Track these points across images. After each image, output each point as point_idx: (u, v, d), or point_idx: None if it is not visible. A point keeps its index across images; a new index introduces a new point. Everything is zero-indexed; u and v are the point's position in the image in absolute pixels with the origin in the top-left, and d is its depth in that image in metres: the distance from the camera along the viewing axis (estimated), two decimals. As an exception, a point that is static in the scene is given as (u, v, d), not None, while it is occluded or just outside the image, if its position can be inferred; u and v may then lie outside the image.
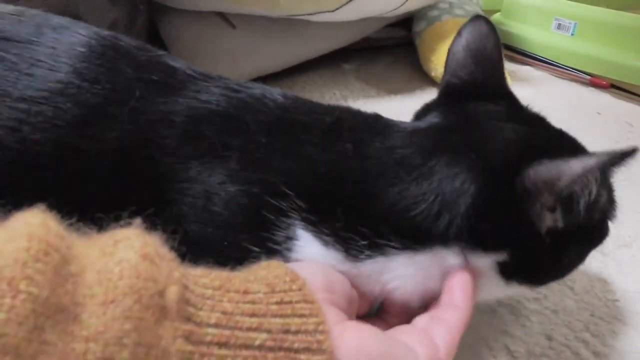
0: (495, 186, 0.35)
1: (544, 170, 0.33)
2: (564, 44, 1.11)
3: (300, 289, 0.30)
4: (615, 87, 1.03)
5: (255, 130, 0.37)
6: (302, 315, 0.29)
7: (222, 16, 0.90)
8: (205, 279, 0.28)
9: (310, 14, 0.88)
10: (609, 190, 0.41)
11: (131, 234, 0.27)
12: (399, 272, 0.36)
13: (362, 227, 0.35)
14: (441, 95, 0.44)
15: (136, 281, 0.24)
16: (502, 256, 0.36)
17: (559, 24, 1.13)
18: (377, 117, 0.41)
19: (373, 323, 0.37)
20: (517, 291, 0.40)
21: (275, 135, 0.38)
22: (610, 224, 0.42)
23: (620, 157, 0.32)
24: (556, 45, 1.12)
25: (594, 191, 0.36)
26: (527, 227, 0.35)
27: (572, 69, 1.08)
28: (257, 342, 0.27)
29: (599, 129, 0.88)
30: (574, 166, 0.32)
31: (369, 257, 0.35)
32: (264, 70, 0.96)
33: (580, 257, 0.41)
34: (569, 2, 1.14)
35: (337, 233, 0.35)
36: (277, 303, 0.29)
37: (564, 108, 0.95)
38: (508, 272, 0.37)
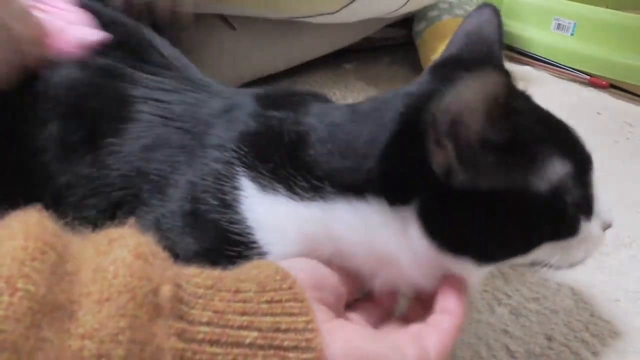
0: (403, 130, 0.35)
1: (426, 110, 0.32)
2: (564, 43, 1.11)
3: (290, 288, 0.30)
4: (614, 87, 1.03)
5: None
6: (291, 314, 0.29)
7: (223, 18, 0.90)
8: (198, 278, 0.28)
9: (311, 16, 0.89)
10: (575, 175, 0.37)
11: (125, 233, 0.27)
12: (344, 222, 0.36)
13: (298, 168, 0.37)
14: (427, 69, 0.44)
15: (130, 279, 0.25)
16: (413, 210, 0.34)
17: (559, 24, 1.13)
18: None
19: (366, 307, 0.38)
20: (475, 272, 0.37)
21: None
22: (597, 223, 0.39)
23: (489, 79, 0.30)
24: (556, 45, 1.12)
25: (484, 128, 0.32)
26: (426, 170, 0.33)
27: (572, 68, 1.08)
28: (247, 341, 0.27)
29: (598, 128, 0.88)
30: (443, 97, 0.31)
31: (312, 199, 0.36)
32: (265, 71, 0.96)
33: (515, 233, 0.36)
34: (569, 2, 1.14)
35: (277, 174, 0.37)
36: (267, 302, 0.29)
37: (563, 108, 0.94)
38: (431, 233, 0.35)
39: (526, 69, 1.12)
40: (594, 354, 0.46)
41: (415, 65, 1.08)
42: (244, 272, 0.31)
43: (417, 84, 0.41)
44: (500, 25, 0.44)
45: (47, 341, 0.22)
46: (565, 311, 0.50)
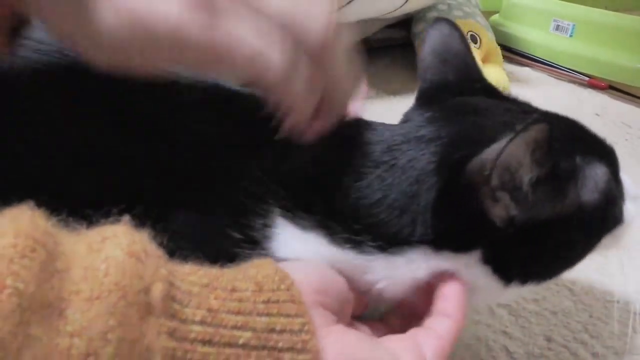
0: (449, 183, 0.34)
1: (471, 165, 0.33)
2: (563, 45, 1.11)
3: (288, 289, 0.30)
4: (613, 89, 1.03)
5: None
6: (288, 315, 0.29)
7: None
8: (194, 276, 0.28)
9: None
10: (611, 171, 0.38)
11: (119, 231, 0.27)
12: (382, 274, 0.35)
13: (339, 220, 0.35)
14: (416, 101, 0.44)
15: (122, 278, 0.24)
16: (477, 256, 0.35)
17: (558, 26, 1.13)
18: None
19: (376, 327, 0.37)
20: (522, 291, 0.39)
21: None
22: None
23: (533, 132, 0.31)
24: (555, 47, 1.12)
25: (532, 170, 0.33)
26: (486, 222, 0.34)
27: (571, 70, 1.08)
28: (241, 341, 0.27)
29: (597, 130, 0.88)
30: (489, 153, 0.31)
31: (351, 249, 0.35)
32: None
33: (579, 244, 0.38)
34: (568, 3, 1.14)
35: (318, 221, 0.35)
36: (264, 302, 0.29)
37: (562, 109, 0.94)
38: (499, 272, 0.36)
39: (525, 71, 1.12)
40: (593, 354, 0.46)
41: (414, 66, 1.08)
42: (242, 271, 0.31)
43: (424, 123, 0.39)
44: (462, 36, 0.44)
45: (36, 339, 0.22)
46: (565, 312, 0.50)
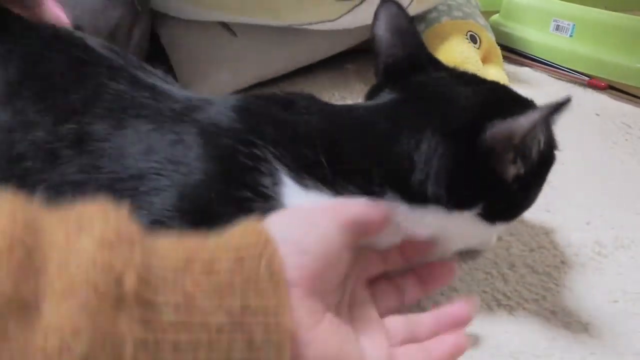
0: (460, 148, 0.40)
1: (498, 131, 0.38)
2: (563, 45, 1.11)
3: (268, 265, 0.30)
4: (612, 89, 1.03)
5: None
6: (264, 297, 0.29)
7: (223, 24, 0.90)
8: (172, 253, 0.28)
9: (311, 24, 0.89)
10: (547, 124, 0.44)
11: (95, 215, 0.27)
12: (406, 223, 0.40)
13: (351, 176, 0.39)
14: (383, 76, 0.48)
15: (92, 273, 0.25)
16: (477, 209, 0.41)
17: (558, 26, 1.13)
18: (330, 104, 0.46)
19: (374, 262, 0.41)
20: (502, 228, 0.47)
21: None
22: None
23: (558, 108, 0.36)
24: (555, 47, 1.12)
25: (542, 138, 0.42)
26: (496, 180, 0.41)
27: (571, 70, 1.08)
28: (215, 326, 0.27)
29: (596, 130, 0.88)
30: (523, 123, 0.37)
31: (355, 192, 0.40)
32: (265, 76, 0.96)
33: (541, 184, 0.46)
34: (568, 3, 1.14)
35: (325, 179, 0.39)
36: (241, 281, 0.29)
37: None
38: (490, 217, 0.42)
39: (525, 71, 1.12)
40: (593, 354, 0.46)
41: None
42: (227, 238, 0.31)
43: (396, 90, 0.46)
44: (410, 18, 0.50)
45: (12, 339, 0.22)
46: (565, 312, 0.50)
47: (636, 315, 0.51)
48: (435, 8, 1.07)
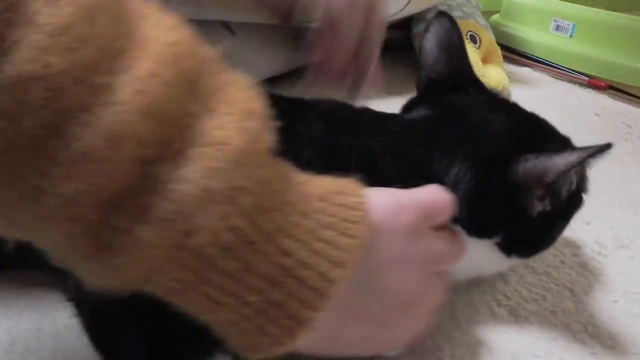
0: (488, 176, 0.40)
1: (531, 167, 0.38)
2: (563, 45, 1.11)
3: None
4: (613, 89, 1.03)
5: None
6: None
7: (222, 23, 0.90)
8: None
9: (310, 22, 0.89)
10: (582, 167, 0.44)
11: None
12: None
13: None
14: (424, 90, 0.49)
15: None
16: (498, 239, 0.42)
17: (558, 25, 1.13)
18: (368, 110, 0.48)
19: None
20: (516, 262, 0.48)
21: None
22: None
23: (597, 152, 0.37)
24: (555, 47, 1.12)
25: (575, 180, 0.42)
26: (520, 213, 0.41)
27: (571, 70, 1.08)
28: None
29: (596, 130, 0.88)
30: (558, 163, 0.37)
31: None
32: (264, 75, 0.96)
33: (564, 225, 0.46)
34: (568, 3, 1.14)
35: None
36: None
37: (562, 109, 0.95)
38: (507, 250, 0.43)
39: (525, 71, 1.12)
40: (593, 354, 0.46)
41: (413, 66, 1.08)
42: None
43: (433, 107, 0.46)
44: (461, 35, 0.49)
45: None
46: (565, 312, 0.50)
47: (636, 315, 0.51)
48: (434, 8, 1.07)
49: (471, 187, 0.39)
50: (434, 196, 0.37)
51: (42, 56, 0.21)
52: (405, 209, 0.35)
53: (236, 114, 0.26)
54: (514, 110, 0.47)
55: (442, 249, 0.38)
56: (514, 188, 0.39)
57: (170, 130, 0.24)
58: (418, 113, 0.46)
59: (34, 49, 0.21)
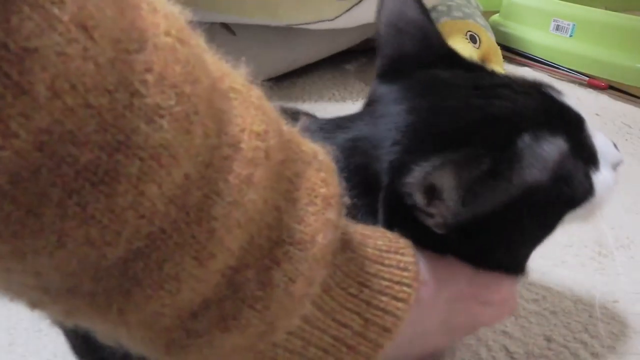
0: (394, 185, 0.33)
1: (404, 180, 0.30)
2: (563, 45, 1.11)
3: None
4: (613, 89, 1.03)
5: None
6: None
7: (223, 24, 0.91)
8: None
9: (310, 23, 0.89)
10: (572, 143, 0.36)
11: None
12: None
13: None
14: (378, 78, 0.41)
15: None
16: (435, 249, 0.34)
17: (558, 25, 1.13)
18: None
19: None
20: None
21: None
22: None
23: (464, 165, 0.30)
24: (555, 47, 1.12)
25: (458, 191, 0.31)
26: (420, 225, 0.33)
27: (571, 70, 1.08)
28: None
29: (596, 130, 0.88)
30: (415, 176, 0.30)
31: None
32: (265, 75, 0.96)
33: (537, 224, 0.36)
34: (568, 3, 1.14)
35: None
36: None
37: (562, 109, 0.95)
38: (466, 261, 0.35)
39: (525, 71, 1.12)
40: (593, 355, 0.46)
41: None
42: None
43: (386, 107, 0.37)
44: (419, 3, 0.41)
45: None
46: (565, 312, 0.50)
47: (636, 315, 0.51)
48: (434, 9, 1.07)
49: (383, 193, 0.34)
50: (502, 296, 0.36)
51: (139, 185, 0.20)
52: (455, 279, 0.34)
53: (317, 203, 0.26)
54: (483, 86, 0.37)
55: (487, 317, 0.37)
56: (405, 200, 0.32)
57: (258, 233, 0.24)
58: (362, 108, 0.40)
59: (133, 177, 0.20)
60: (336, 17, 0.88)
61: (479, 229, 0.33)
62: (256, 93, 0.26)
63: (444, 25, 1.03)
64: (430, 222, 0.32)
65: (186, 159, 0.21)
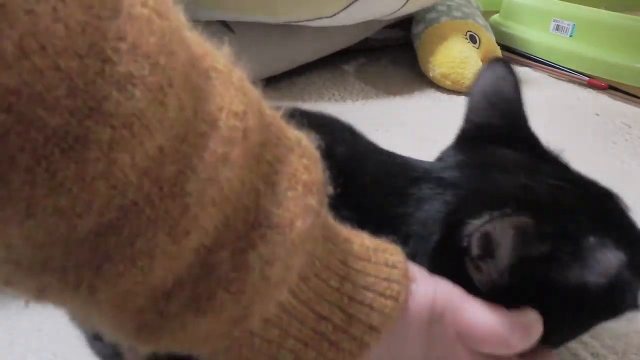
0: (447, 239, 0.34)
1: (460, 232, 0.31)
2: (563, 45, 1.11)
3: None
4: (613, 89, 1.03)
5: None
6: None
7: (222, 22, 0.91)
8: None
9: (309, 20, 0.89)
10: (631, 260, 0.36)
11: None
12: None
13: None
14: (455, 141, 0.42)
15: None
16: None
17: (558, 26, 1.13)
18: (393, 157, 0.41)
19: None
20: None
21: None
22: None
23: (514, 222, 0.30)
24: (555, 47, 1.12)
25: (513, 251, 0.32)
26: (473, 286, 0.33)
27: (570, 70, 1.08)
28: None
29: (596, 130, 0.88)
30: (470, 228, 0.30)
31: None
32: (264, 74, 0.96)
33: (577, 320, 0.37)
34: (568, 3, 1.15)
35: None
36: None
37: (562, 109, 0.95)
38: None
39: (525, 71, 1.12)
40: (593, 355, 0.46)
41: (413, 66, 1.08)
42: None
43: (452, 170, 0.38)
44: (517, 81, 0.42)
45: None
46: (565, 312, 0.50)
47: (636, 315, 0.51)
48: (434, 8, 1.07)
49: (432, 245, 0.34)
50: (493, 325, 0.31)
51: (110, 153, 0.20)
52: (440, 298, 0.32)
53: (297, 189, 0.25)
54: (537, 172, 0.38)
55: None
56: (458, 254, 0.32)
57: (234, 214, 0.24)
58: (439, 161, 0.41)
59: (104, 144, 0.19)
60: (335, 15, 0.88)
61: (517, 303, 0.33)
62: (238, 74, 0.25)
63: (443, 25, 1.03)
64: (477, 276, 0.33)
65: (160, 131, 0.21)
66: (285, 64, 1.00)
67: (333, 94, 0.97)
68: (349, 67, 1.11)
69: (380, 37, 1.17)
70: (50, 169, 0.19)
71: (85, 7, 0.19)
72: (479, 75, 0.42)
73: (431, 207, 0.35)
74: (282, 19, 0.88)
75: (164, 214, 0.21)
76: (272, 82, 0.97)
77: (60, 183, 0.19)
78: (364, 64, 1.13)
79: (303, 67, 1.03)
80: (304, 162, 0.26)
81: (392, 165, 0.39)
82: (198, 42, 0.24)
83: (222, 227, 0.23)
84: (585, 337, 0.48)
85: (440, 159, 0.41)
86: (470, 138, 0.42)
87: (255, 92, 0.26)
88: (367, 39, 1.13)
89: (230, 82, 0.25)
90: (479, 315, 0.31)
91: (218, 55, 0.25)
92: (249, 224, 0.24)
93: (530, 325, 0.32)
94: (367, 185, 0.37)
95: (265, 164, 0.25)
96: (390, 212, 0.36)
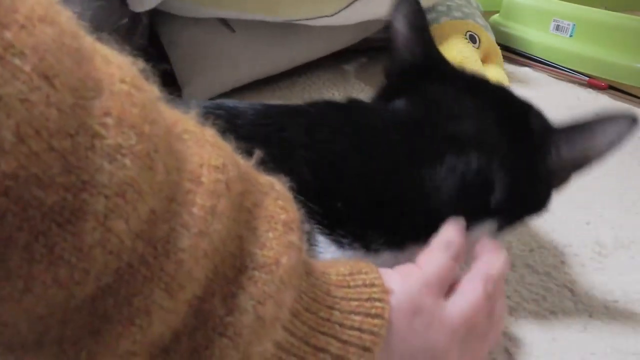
0: (517, 169, 0.40)
1: (571, 147, 0.41)
2: (563, 45, 1.11)
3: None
4: (613, 89, 1.03)
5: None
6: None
7: (222, 21, 0.91)
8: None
9: (309, 19, 0.89)
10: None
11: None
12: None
13: (379, 226, 0.37)
14: (400, 74, 0.47)
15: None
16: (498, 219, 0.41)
17: (558, 26, 1.13)
18: (350, 105, 0.44)
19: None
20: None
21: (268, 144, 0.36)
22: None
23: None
24: (555, 47, 1.12)
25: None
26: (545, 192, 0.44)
27: (571, 70, 1.08)
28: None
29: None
30: (603, 140, 0.40)
31: (387, 249, 0.37)
32: (264, 73, 0.96)
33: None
34: (568, 3, 1.15)
35: (355, 233, 0.36)
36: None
37: (562, 109, 0.95)
38: (508, 220, 0.42)
39: (525, 70, 1.12)
40: (593, 354, 0.46)
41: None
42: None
43: (415, 100, 0.43)
44: (424, 15, 0.47)
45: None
46: (564, 312, 0.50)
47: (636, 315, 0.51)
48: (434, 9, 1.07)
49: (501, 184, 0.40)
50: (438, 263, 0.34)
51: (106, 221, 0.20)
52: (418, 291, 0.33)
53: (277, 229, 0.26)
54: (479, 88, 0.45)
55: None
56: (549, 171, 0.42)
57: (222, 262, 0.24)
58: (399, 111, 0.43)
59: (100, 214, 0.20)
60: (335, 13, 0.88)
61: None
62: (210, 132, 0.27)
63: (443, 25, 1.03)
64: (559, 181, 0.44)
65: (150, 195, 0.21)
66: (285, 64, 0.99)
67: (333, 94, 0.97)
68: (349, 67, 1.11)
69: (380, 37, 1.17)
70: (48, 244, 0.19)
71: (72, 90, 0.20)
72: (396, 7, 0.46)
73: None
74: (282, 17, 0.88)
75: (159, 271, 0.22)
76: (272, 82, 0.97)
77: (59, 256, 0.19)
78: (364, 64, 1.13)
79: (303, 67, 1.03)
80: (280, 203, 0.27)
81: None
82: (168, 110, 0.26)
83: (212, 276, 0.24)
84: (585, 336, 0.48)
85: (409, 101, 0.44)
86: (407, 72, 0.46)
87: (228, 146, 0.27)
88: (367, 39, 1.13)
89: (204, 139, 0.26)
90: (421, 258, 0.35)
91: (188, 119, 0.26)
92: (236, 269, 0.25)
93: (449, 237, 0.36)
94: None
95: (245, 211, 0.26)
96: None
